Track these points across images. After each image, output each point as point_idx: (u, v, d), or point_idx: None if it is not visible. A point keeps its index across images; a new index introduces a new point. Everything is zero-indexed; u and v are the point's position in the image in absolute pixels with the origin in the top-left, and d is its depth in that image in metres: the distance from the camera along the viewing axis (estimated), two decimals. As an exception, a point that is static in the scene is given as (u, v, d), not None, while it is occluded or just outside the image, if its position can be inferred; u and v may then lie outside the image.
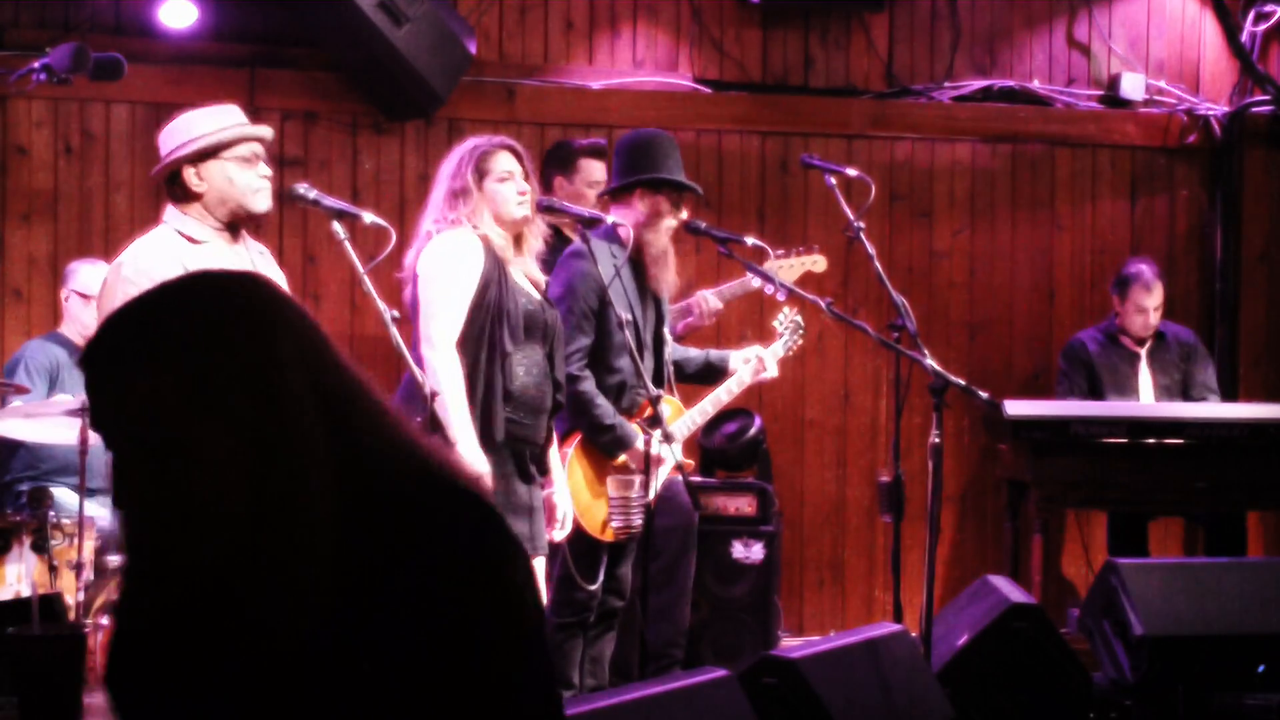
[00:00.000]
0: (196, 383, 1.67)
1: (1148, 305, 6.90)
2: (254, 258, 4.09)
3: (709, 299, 5.82)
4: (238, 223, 4.01)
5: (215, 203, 3.97)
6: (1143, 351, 7.01)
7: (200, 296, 1.74)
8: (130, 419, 1.69)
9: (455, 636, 1.67)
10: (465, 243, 4.46)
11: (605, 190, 5.40)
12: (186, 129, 4.00)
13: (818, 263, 6.01)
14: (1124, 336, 7.01)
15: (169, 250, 3.91)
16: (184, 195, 3.98)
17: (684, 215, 5.26)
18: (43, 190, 6.71)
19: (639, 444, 4.82)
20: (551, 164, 5.97)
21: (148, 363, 1.68)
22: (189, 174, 3.96)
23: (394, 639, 1.67)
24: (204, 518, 1.68)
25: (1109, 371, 6.95)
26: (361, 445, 1.74)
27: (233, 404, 1.68)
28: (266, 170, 4.04)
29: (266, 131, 4.10)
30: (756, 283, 5.56)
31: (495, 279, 4.45)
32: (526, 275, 4.63)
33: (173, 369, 1.68)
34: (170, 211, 4.00)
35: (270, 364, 1.70)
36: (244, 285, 1.78)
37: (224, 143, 3.97)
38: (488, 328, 4.43)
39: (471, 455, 4.30)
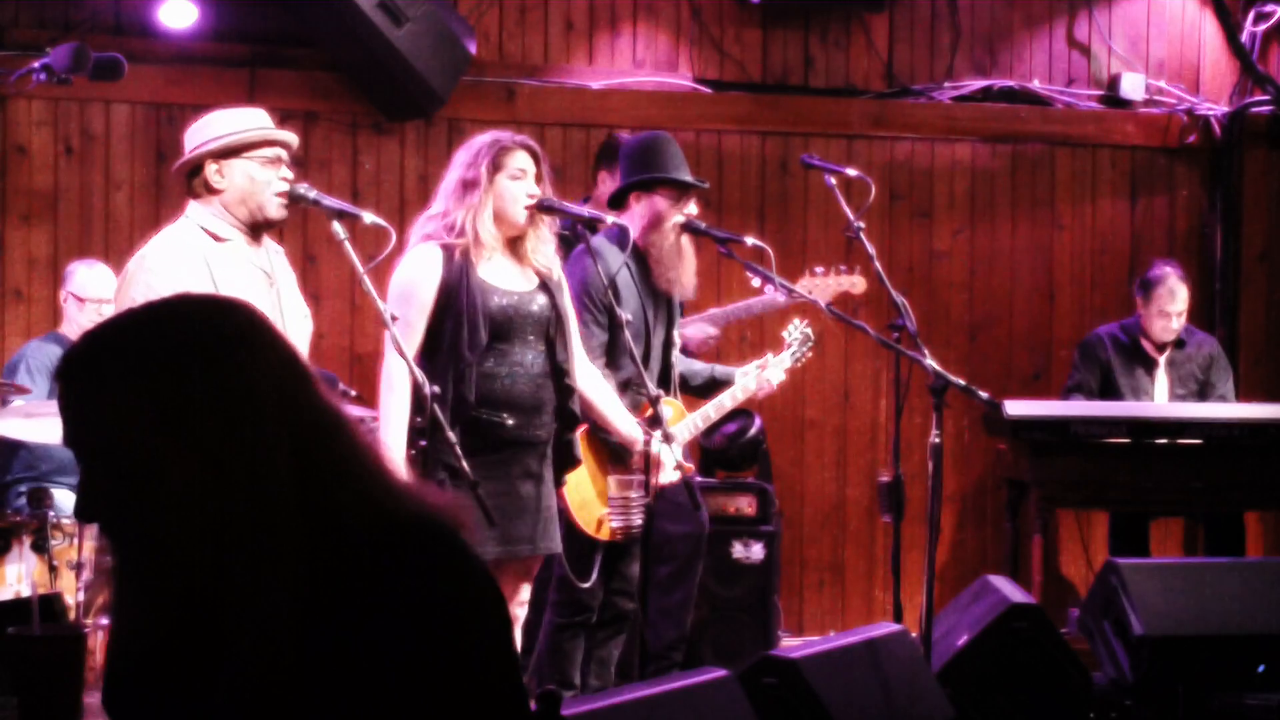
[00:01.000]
0: (165, 405, 1.67)
1: (1170, 310, 6.81)
2: (272, 258, 4.09)
3: (705, 328, 5.90)
4: (256, 226, 4.01)
5: (235, 201, 3.96)
6: (1161, 359, 6.93)
7: (180, 320, 1.74)
8: (99, 436, 1.69)
9: (401, 676, 1.67)
10: (422, 260, 4.44)
11: (606, 199, 5.38)
12: (214, 126, 4.00)
13: (856, 284, 5.97)
14: (1145, 340, 6.93)
15: (192, 244, 3.91)
16: (204, 191, 3.97)
17: (691, 210, 5.21)
18: (43, 190, 6.71)
19: (639, 446, 4.81)
20: (600, 160, 6.06)
21: (119, 381, 1.68)
22: (210, 170, 3.95)
23: (344, 673, 1.67)
24: (167, 538, 1.68)
25: (1125, 376, 6.90)
26: (333, 480, 1.73)
27: (197, 428, 1.67)
28: (289, 174, 4.04)
29: (292, 138, 4.10)
30: (758, 308, 5.67)
31: (457, 288, 4.41)
32: (529, 266, 4.58)
33: (143, 390, 1.67)
34: (192, 206, 3.99)
35: (241, 392, 1.69)
36: (226, 312, 1.77)
37: (250, 142, 3.97)
38: (449, 338, 4.42)
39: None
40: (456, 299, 4.41)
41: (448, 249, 4.44)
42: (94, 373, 1.69)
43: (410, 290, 4.43)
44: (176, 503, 1.67)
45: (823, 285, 5.87)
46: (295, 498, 1.69)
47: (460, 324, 4.40)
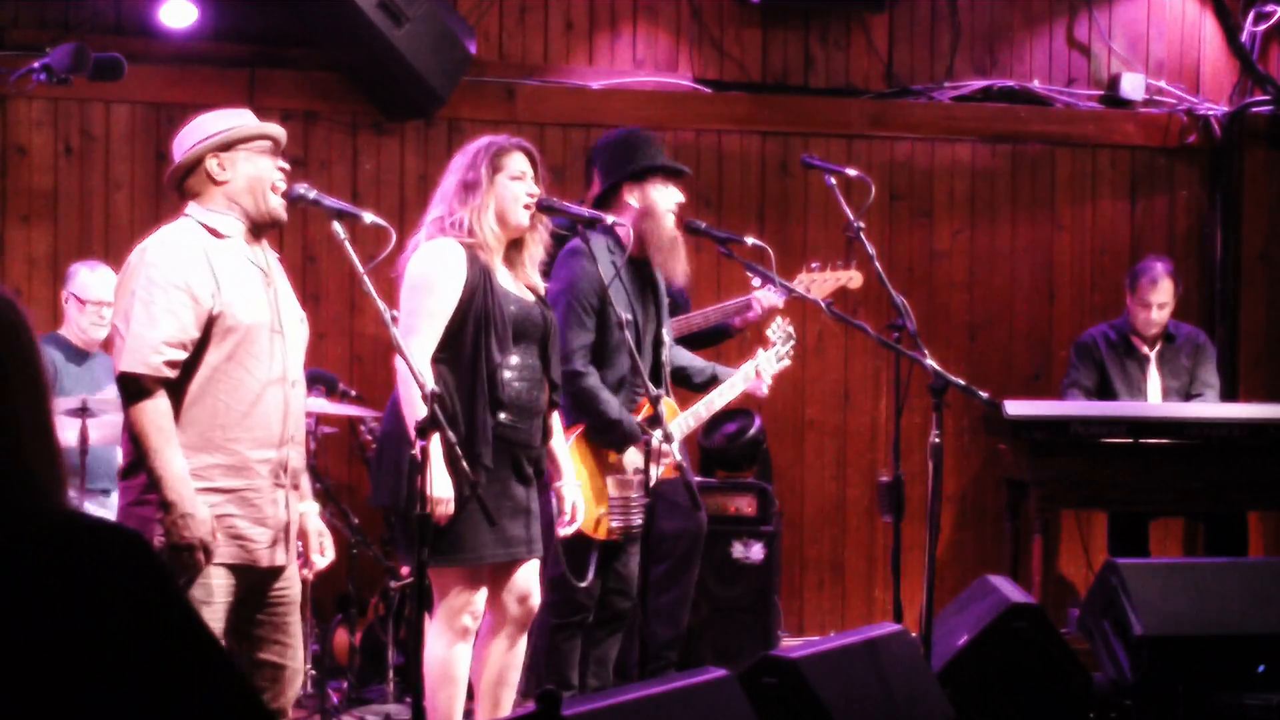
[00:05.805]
0: None
1: (1151, 300, 6.86)
2: (270, 260, 4.09)
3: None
4: (260, 222, 4.00)
5: (241, 190, 3.96)
6: (1152, 354, 6.97)
7: None
8: None
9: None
10: (448, 253, 4.45)
11: (594, 198, 5.38)
12: (206, 125, 4.01)
13: (854, 279, 5.95)
14: (1134, 336, 6.97)
15: (194, 240, 3.91)
16: (206, 186, 3.96)
17: (680, 198, 5.26)
18: (43, 190, 6.71)
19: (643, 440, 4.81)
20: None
21: None
22: (211, 164, 3.96)
23: None
24: None
25: (1118, 373, 6.93)
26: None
27: None
28: (284, 164, 4.05)
29: (281, 131, 4.11)
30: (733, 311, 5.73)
31: (480, 287, 4.43)
32: (522, 279, 4.61)
33: None
34: (193, 206, 3.99)
35: None
36: None
37: (243, 137, 3.99)
38: (474, 338, 4.42)
39: (436, 482, 4.21)
40: (481, 299, 4.42)
41: (469, 248, 4.47)
42: None
43: (435, 282, 4.44)
44: None
45: (820, 280, 5.87)
46: None
47: (488, 325, 4.42)
